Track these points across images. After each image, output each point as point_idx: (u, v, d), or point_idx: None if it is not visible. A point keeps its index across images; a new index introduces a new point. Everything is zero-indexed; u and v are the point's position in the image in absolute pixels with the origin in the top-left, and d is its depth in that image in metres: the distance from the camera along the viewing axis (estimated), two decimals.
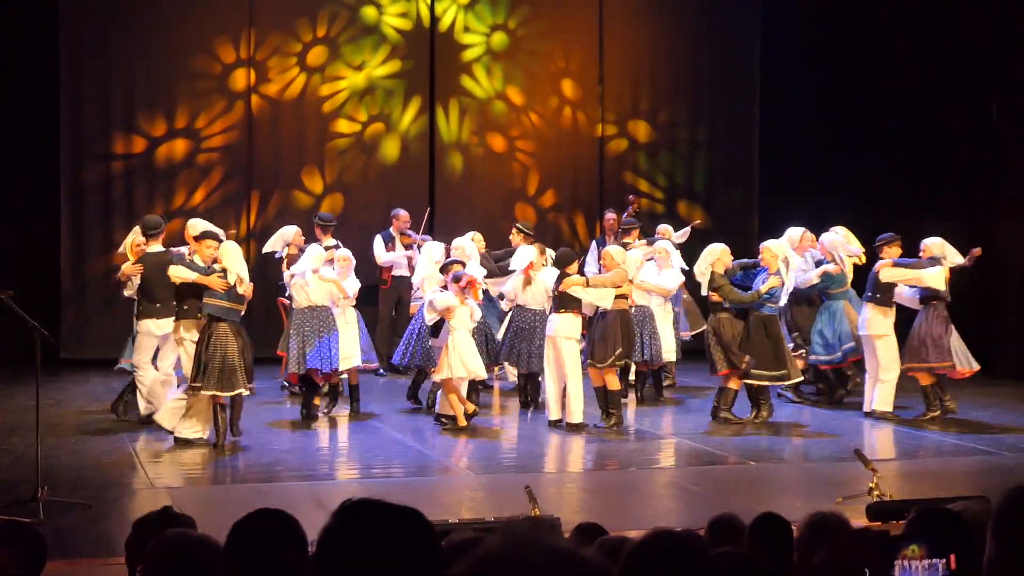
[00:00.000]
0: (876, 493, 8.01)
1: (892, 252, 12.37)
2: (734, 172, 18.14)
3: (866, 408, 12.38)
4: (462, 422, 11.49)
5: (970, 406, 12.78)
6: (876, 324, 12.28)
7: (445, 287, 11.81)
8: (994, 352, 14.85)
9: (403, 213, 15.07)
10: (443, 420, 11.71)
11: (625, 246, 13.08)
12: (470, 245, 12.88)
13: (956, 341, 12.09)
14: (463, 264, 12.14)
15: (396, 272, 14.89)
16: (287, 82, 16.63)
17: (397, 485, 9.50)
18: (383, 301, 15.03)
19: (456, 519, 7.26)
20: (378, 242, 14.90)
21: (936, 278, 12.04)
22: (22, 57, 15.62)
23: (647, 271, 12.97)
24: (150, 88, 16.11)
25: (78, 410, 12.54)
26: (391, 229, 15.02)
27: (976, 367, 12.18)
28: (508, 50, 17.39)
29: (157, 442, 11.03)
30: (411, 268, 15.10)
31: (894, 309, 12.34)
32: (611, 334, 11.55)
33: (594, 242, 15.28)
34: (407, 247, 14.93)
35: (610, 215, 15.54)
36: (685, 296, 14.09)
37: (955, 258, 12.22)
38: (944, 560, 3.33)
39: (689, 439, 11.39)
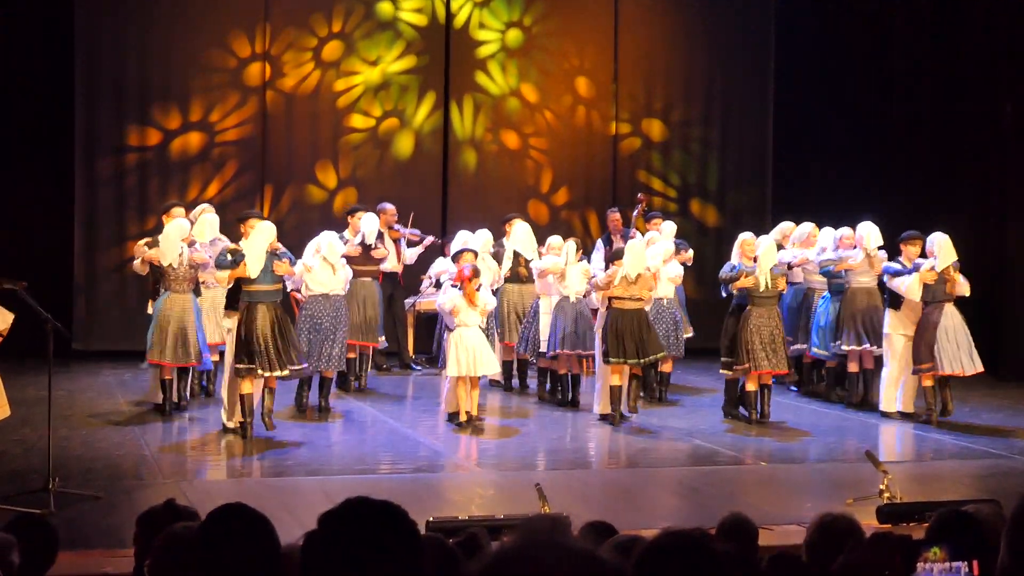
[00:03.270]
0: (886, 495, 8.00)
1: (910, 251, 12.25)
2: (747, 171, 18.12)
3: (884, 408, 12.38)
4: (464, 417, 11.53)
5: (980, 409, 12.76)
6: (889, 324, 12.33)
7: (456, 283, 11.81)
8: (1004, 355, 14.82)
9: (390, 207, 14.98)
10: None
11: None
12: (479, 240, 12.91)
13: (946, 343, 12.02)
14: (475, 253, 12.16)
15: (386, 268, 14.85)
16: (302, 77, 16.64)
17: (407, 481, 9.51)
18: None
19: (466, 516, 7.26)
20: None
21: (910, 289, 12.01)
22: (38, 49, 15.66)
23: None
24: (165, 81, 16.14)
25: (90, 401, 12.58)
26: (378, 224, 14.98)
27: (969, 370, 11.98)
28: (523, 47, 17.39)
29: (168, 434, 11.07)
30: (402, 265, 15.01)
31: (913, 310, 12.24)
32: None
33: (600, 240, 15.26)
34: (395, 241, 14.89)
35: (614, 214, 15.49)
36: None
37: (946, 260, 12.05)
38: (966, 564, 3.31)
39: (699, 438, 11.37)
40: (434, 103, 17.01)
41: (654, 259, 12.46)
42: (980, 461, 10.65)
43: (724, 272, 12.10)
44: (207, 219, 12.53)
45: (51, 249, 15.57)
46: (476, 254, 12.19)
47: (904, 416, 12.20)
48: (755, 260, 12.01)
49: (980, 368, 12.05)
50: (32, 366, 11.90)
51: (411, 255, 15.04)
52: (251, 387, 10.86)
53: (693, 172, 18.04)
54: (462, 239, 13.01)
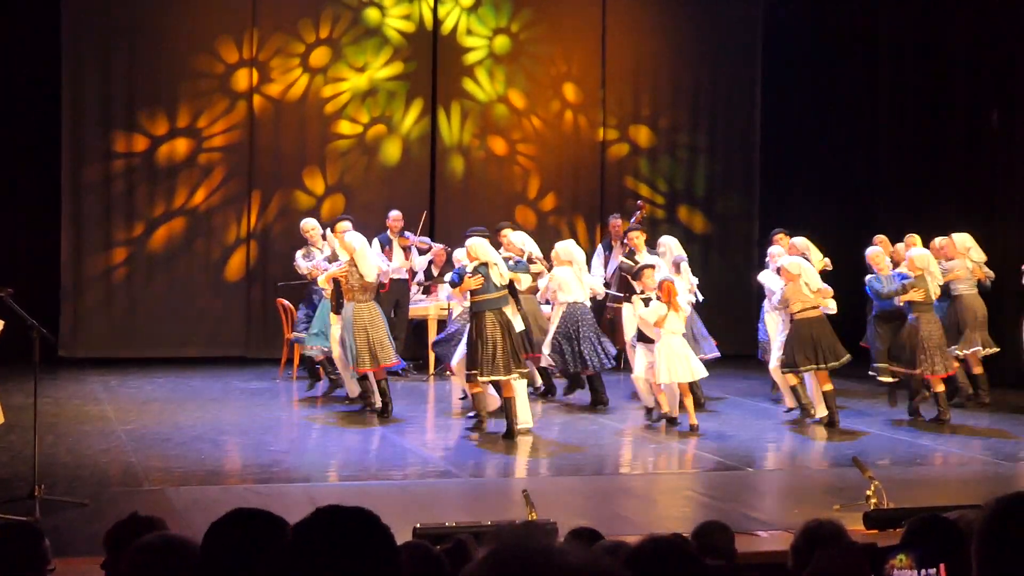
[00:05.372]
0: (873, 501, 8.00)
1: None
2: (734, 177, 18.15)
3: None
4: (693, 421, 11.74)
5: (969, 414, 12.78)
6: None
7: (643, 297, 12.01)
8: (993, 361, 14.83)
9: (394, 213, 15.01)
10: (652, 414, 12.09)
11: (632, 254, 13.32)
12: (576, 250, 12.96)
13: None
14: (653, 267, 12.29)
15: (395, 275, 14.86)
16: (289, 83, 16.64)
17: (394, 488, 9.49)
18: (381, 304, 14.99)
19: (453, 523, 7.25)
20: (375, 246, 14.85)
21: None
22: (24, 54, 15.63)
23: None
24: (152, 87, 16.12)
25: (76, 409, 12.54)
26: (387, 232, 14.99)
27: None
28: (510, 53, 17.40)
29: (154, 441, 11.04)
30: (410, 272, 15.07)
31: None
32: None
33: (600, 246, 15.27)
34: (404, 248, 14.89)
35: (615, 220, 15.48)
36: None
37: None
38: (934, 569, 3.31)
39: (687, 444, 11.38)
40: (421, 109, 17.02)
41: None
42: (967, 467, 10.67)
43: (884, 288, 12.38)
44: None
45: (38, 256, 15.54)
46: (653, 267, 12.36)
47: None
48: (891, 269, 12.51)
49: None
50: (18, 373, 11.88)
51: (420, 263, 15.08)
52: (482, 388, 11.39)
53: (681, 178, 18.07)
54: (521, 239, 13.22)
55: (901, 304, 12.37)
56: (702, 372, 12.01)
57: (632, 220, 14.75)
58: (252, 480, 9.84)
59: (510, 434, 11.19)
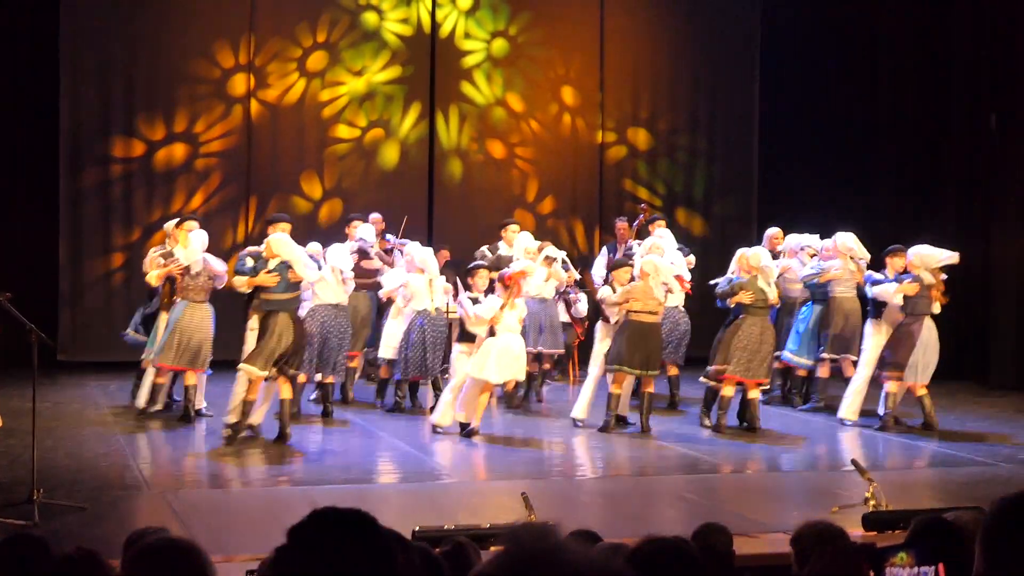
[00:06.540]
0: (872, 503, 8.01)
1: (896, 263, 12.24)
2: (733, 180, 18.16)
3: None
4: (477, 423, 11.50)
5: (966, 417, 12.79)
6: (870, 333, 12.41)
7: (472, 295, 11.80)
8: (991, 363, 14.87)
9: (374, 216, 14.97)
10: (439, 430, 11.69)
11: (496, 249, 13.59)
12: (431, 259, 12.87)
13: (921, 356, 12.04)
14: (485, 268, 12.19)
15: (379, 278, 14.84)
16: (287, 87, 16.64)
17: (392, 491, 9.50)
18: (368, 304, 14.97)
19: (452, 525, 7.25)
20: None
21: (891, 296, 12.14)
22: (23, 59, 15.63)
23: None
24: (150, 92, 16.13)
25: (75, 412, 12.53)
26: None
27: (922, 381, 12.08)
28: (508, 57, 17.41)
29: (154, 445, 11.04)
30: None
31: (893, 321, 12.23)
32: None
33: (605, 248, 15.27)
34: (386, 251, 14.86)
35: (621, 223, 15.47)
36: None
37: (932, 265, 12.16)
38: (933, 568, 3.32)
39: (684, 447, 11.38)
40: (419, 113, 17.03)
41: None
42: (966, 469, 10.67)
43: (722, 287, 12.10)
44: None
45: (36, 260, 15.52)
46: (488, 268, 12.25)
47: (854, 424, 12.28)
48: (749, 272, 12.01)
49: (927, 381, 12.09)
50: (17, 377, 11.88)
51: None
52: (255, 393, 11.08)
53: (679, 181, 18.08)
54: (524, 242, 13.20)
55: (732, 306, 11.95)
56: (522, 376, 11.93)
57: (635, 223, 14.77)
58: (252, 484, 9.85)
59: (283, 437, 10.98)
